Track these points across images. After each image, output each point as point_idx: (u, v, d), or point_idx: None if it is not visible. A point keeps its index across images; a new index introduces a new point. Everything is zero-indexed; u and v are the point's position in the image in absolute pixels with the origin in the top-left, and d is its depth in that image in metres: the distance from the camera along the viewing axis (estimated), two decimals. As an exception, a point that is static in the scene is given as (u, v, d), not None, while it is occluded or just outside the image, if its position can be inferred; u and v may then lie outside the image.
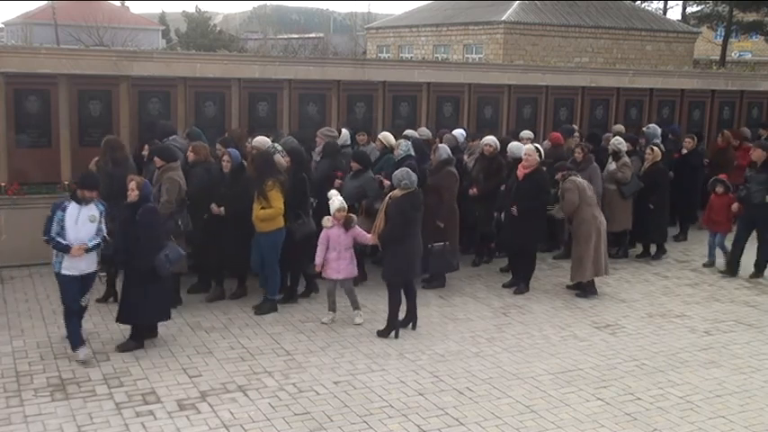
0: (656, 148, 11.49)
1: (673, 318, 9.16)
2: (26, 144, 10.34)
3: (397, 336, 8.11)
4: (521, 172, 9.60)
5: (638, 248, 11.89)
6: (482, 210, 10.40)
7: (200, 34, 48.86)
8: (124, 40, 41.18)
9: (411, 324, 8.34)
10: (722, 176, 11.06)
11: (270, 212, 8.38)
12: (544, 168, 9.91)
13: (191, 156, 8.91)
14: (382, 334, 8.14)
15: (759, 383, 7.35)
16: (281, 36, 54.18)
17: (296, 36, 52.48)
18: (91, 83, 10.62)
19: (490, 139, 10.64)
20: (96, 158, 8.88)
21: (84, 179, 7.28)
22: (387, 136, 10.54)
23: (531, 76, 13.96)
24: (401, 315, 8.29)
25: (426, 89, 12.87)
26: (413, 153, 9.98)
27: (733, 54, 43.98)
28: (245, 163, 8.82)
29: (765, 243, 10.63)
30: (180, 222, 8.28)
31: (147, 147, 9.32)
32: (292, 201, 8.58)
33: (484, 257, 11.01)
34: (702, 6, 42.36)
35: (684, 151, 12.68)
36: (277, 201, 8.36)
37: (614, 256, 11.20)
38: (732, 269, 10.80)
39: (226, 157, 8.77)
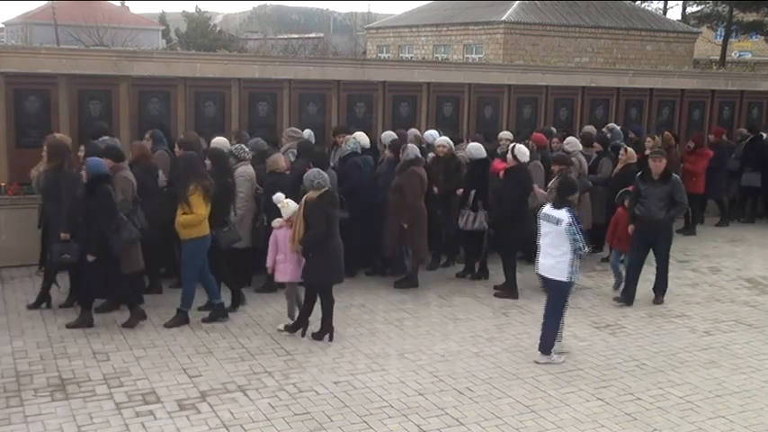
0: (630, 149, 11.21)
1: (673, 318, 9.16)
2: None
3: (303, 334, 7.98)
4: (502, 171, 9.57)
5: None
6: (443, 210, 10.24)
7: (200, 34, 48.91)
8: (124, 40, 41.21)
9: (328, 336, 7.95)
10: (631, 188, 9.75)
11: (190, 219, 7.92)
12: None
13: (129, 155, 8.70)
14: (291, 329, 8.05)
15: (759, 383, 7.35)
16: (281, 36, 54.22)
17: (296, 36, 52.51)
18: (91, 83, 10.61)
19: (443, 140, 10.46)
20: (44, 164, 8.45)
21: (565, 187, 7.62)
22: (360, 136, 10.46)
23: (531, 76, 13.96)
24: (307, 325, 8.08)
25: (426, 89, 12.87)
26: (359, 151, 10.08)
27: (733, 54, 44.00)
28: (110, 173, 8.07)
29: (664, 263, 9.61)
30: (136, 221, 8.12)
31: (82, 147, 9.03)
32: (218, 207, 8.21)
33: (440, 260, 10.78)
34: (702, 6, 42.40)
35: (648, 152, 12.09)
36: (198, 207, 7.90)
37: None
38: (629, 296, 9.52)
39: (83, 167, 7.96)
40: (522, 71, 14.43)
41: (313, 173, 7.92)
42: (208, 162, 8.52)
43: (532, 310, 9.17)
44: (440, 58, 33.16)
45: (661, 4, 48.38)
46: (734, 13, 38.43)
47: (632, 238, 9.50)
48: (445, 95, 13.04)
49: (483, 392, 6.89)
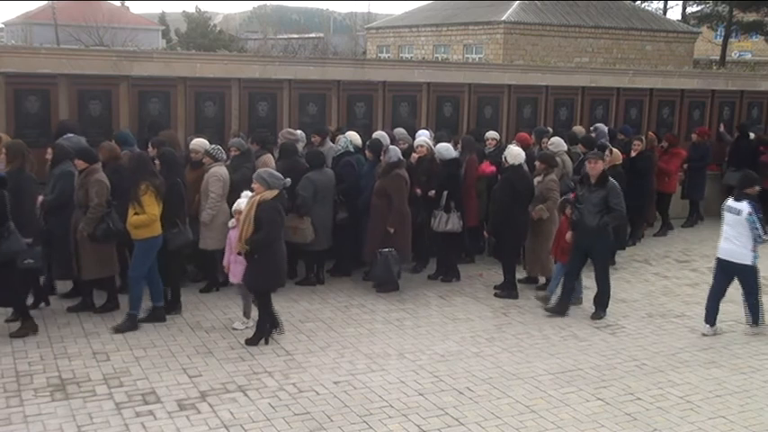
0: (615, 150, 11.05)
1: (673, 318, 9.16)
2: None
3: (267, 342, 7.79)
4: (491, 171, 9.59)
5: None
6: (426, 212, 10.03)
7: (200, 34, 48.84)
8: (124, 40, 41.10)
9: (264, 340, 7.85)
10: (573, 196, 9.20)
11: (143, 219, 7.84)
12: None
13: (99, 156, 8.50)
14: (252, 342, 7.76)
15: (759, 383, 7.36)
16: (281, 36, 54.12)
17: (296, 36, 52.44)
18: (91, 83, 10.61)
19: (422, 140, 10.26)
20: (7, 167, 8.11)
21: (745, 181, 8.45)
22: (351, 135, 10.41)
23: (531, 76, 13.95)
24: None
25: (426, 89, 12.86)
26: (352, 149, 10.03)
27: (733, 54, 44.03)
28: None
29: (601, 273, 8.96)
30: (111, 225, 8.02)
31: (50, 150, 8.63)
32: (166, 208, 8.08)
33: (427, 262, 10.61)
34: (702, 6, 42.43)
35: (633, 154, 12.13)
36: (151, 206, 7.82)
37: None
38: (563, 307, 9.06)
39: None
40: (522, 71, 14.43)
41: (264, 173, 7.72)
42: (156, 162, 8.38)
43: (532, 310, 9.17)
44: (440, 58, 33.16)
45: (661, 4, 48.47)
46: (734, 13, 38.44)
47: (571, 245, 9.02)
48: (445, 95, 13.04)
49: (483, 392, 6.89)
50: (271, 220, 7.47)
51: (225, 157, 9.28)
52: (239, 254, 7.72)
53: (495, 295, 9.65)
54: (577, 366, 7.57)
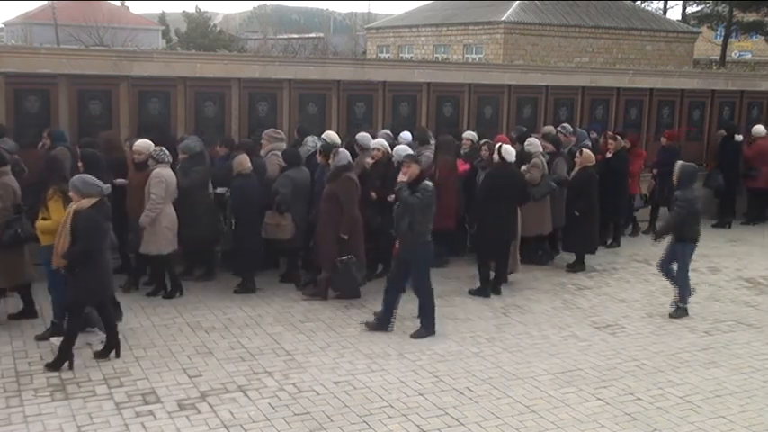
0: (585, 150, 10.91)
1: (673, 318, 9.16)
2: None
3: (71, 367, 7.02)
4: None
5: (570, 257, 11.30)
6: (383, 217, 9.57)
7: (200, 34, 48.87)
8: (124, 40, 41.13)
9: (114, 352, 7.33)
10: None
11: (47, 225, 7.39)
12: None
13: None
14: (53, 366, 6.98)
15: (759, 383, 7.36)
16: (281, 36, 54.14)
17: (296, 36, 52.47)
18: (91, 83, 10.59)
19: (378, 142, 9.93)
20: None
21: None
22: (330, 135, 10.28)
23: (531, 76, 13.94)
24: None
25: (426, 89, 12.85)
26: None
27: (733, 54, 44.07)
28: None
29: (420, 283, 8.25)
30: (19, 231, 7.65)
31: None
32: None
33: (378, 269, 10.15)
34: (702, 6, 42.48)
35: (609, 155, 11.94)
36: (57, 212, 7.33)
37: (537, 261, 10.97)
38: (383, 321, 8.31)
39: None
40: (522, 71, 14.42)
41: (79, 179, 7.10)
42: (80, 164, 8.05)
43: (532, 311, 9.18)
44: (440, 58, 33.18)
45: (661, 4, 48.51)
46: (734, 13, 38.48)
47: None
48: (445, 95, 13.02)
49: (483, 392, 6.89)
50: (86, 232, 6.90)
51: (168, 159, 8.99)
52: (58, 269, 7.16)
53: (470, 293, 9.63)
54: (577, 366, 7.57)
